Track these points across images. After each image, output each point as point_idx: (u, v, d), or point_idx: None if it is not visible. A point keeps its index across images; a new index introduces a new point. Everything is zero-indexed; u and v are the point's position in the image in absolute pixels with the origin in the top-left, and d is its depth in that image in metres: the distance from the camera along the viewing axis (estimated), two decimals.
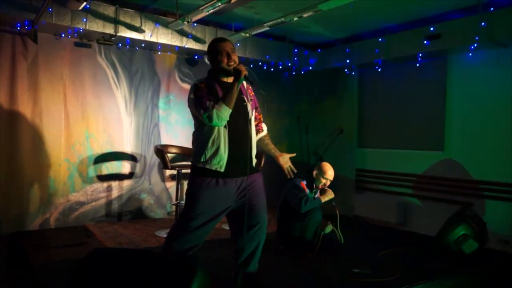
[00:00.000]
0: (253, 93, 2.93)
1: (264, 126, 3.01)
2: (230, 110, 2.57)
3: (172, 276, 1.94)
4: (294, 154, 3.03)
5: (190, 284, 1.88)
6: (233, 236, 2.88)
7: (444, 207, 4.86)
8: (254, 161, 2.83)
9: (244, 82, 2.77)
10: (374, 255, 3.96)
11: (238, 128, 2.70)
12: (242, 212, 2.72)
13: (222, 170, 2.64)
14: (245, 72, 2.63)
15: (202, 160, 2.65)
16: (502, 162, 4.47)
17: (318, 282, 3.26)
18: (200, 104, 2.57)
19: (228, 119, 2.59)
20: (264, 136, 3.01)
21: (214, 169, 2.64)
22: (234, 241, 2.86)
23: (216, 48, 2.72)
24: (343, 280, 3.28)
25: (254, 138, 2.86)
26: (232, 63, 2.68)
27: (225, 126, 2.64)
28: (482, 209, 4.59)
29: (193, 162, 2.73)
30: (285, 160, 2.94)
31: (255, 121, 2.91)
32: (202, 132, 2.68)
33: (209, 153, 2.64)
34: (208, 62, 2.87)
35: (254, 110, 2.87)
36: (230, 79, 2.74)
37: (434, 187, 5.10)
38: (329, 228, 4.02)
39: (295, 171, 2.96)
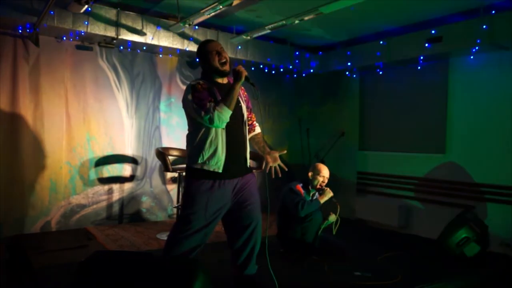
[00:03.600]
0: (246, 93, 2.93)
1: (257, 126, 3.00)
2: (231, 112, 2.57)
3: (173, 279, 1.94)
4: (284, 151, 2.97)
5: (191, 287, 1.88)
6: (229, 239, 2.88)
7: (445, 210, 4.85)
8: (249, 161, 2.84)
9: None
10: (375, 258, 3.96)
11: (234, 129, 2.71)
12: (236, 213, 2.74)
13: (220, 171, 2.64)
14: (245, 73, 2.63)
15: (199, 161, 2.65)
16: (504, 165, 4.46)
17: (319, 285, 3.25)
18: (200, 106, 2.56)
19: (228, 120, 2.59)
20: (256, 134, 2.99)
21: (212, 170, 2.64)
22: (230, 243, 2.86)
23: (205, 49, 2.74)
24: (344, 283, 3.27)
25: (247, 139, 2.87)
26: (224, 60, 2.70)
27: (223, 127, 2.64)
28: (484, 212, 4.57)
29: (190, 163, 2.72)
30: (272, 158, 2.83)
31: (248, 121, 2.91)
32: (199, 133, 2.66)
33: (207, 154, 2.64)
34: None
35: (247, 111, 2.87)
36: (224, 80, 2.77)
37: (436, 190, 5.09)
38: (332, 218, 4.00)
39: (286, 169, 2.82)
